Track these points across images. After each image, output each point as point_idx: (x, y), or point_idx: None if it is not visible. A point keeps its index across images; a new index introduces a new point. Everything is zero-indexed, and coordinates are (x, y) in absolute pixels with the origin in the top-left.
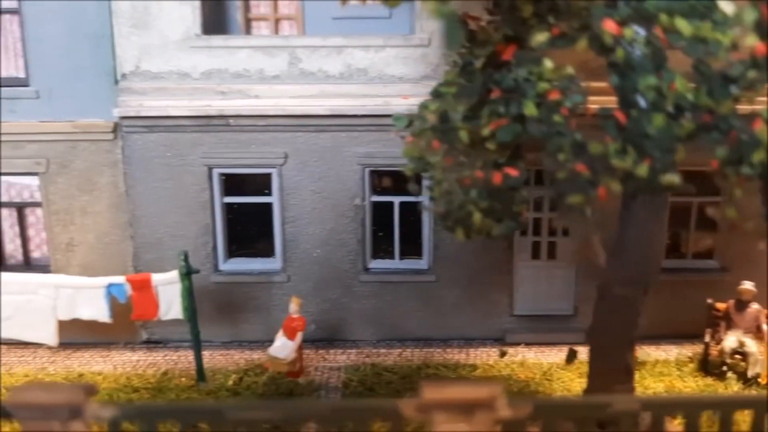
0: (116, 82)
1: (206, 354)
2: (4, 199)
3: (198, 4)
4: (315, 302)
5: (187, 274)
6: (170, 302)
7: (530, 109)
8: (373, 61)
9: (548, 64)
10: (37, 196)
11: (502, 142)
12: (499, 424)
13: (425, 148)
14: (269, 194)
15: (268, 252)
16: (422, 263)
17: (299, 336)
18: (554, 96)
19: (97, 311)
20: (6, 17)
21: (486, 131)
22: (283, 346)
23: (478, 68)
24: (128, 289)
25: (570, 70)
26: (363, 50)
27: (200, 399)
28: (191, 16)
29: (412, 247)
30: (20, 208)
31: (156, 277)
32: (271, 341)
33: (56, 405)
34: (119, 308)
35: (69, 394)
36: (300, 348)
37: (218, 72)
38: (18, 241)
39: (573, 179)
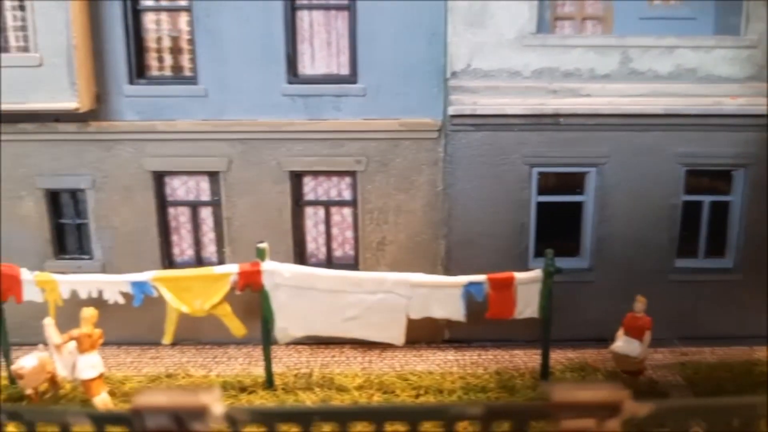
0: (445, 80)
1: (519, 352)
2: (311, 197)
3: (536, 3)
4: (622, 301)
5: (553, 272)
6: (528, 301)
7: None
8: (703, 61)
9: None
10: (346, 195)
11: None
12: None
13: None
14: (580, 193)
15: (571, 250)
16: (726, 262)
17: (648, 334)
18: None
19: (452, 310)
20: (332, 13)
21: None
22: (631, 345)
23: None
24: (487, 288)
25: None
26: (693, 50)
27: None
28: (528, 14)
29: (714, 245)
30: (327, 207)
31: (519, 276)
32: (573, 340)
33: (598, 403)
34: None
35: (610, 393)
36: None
37: (549, 70)
38: (320, 240)
39: None
